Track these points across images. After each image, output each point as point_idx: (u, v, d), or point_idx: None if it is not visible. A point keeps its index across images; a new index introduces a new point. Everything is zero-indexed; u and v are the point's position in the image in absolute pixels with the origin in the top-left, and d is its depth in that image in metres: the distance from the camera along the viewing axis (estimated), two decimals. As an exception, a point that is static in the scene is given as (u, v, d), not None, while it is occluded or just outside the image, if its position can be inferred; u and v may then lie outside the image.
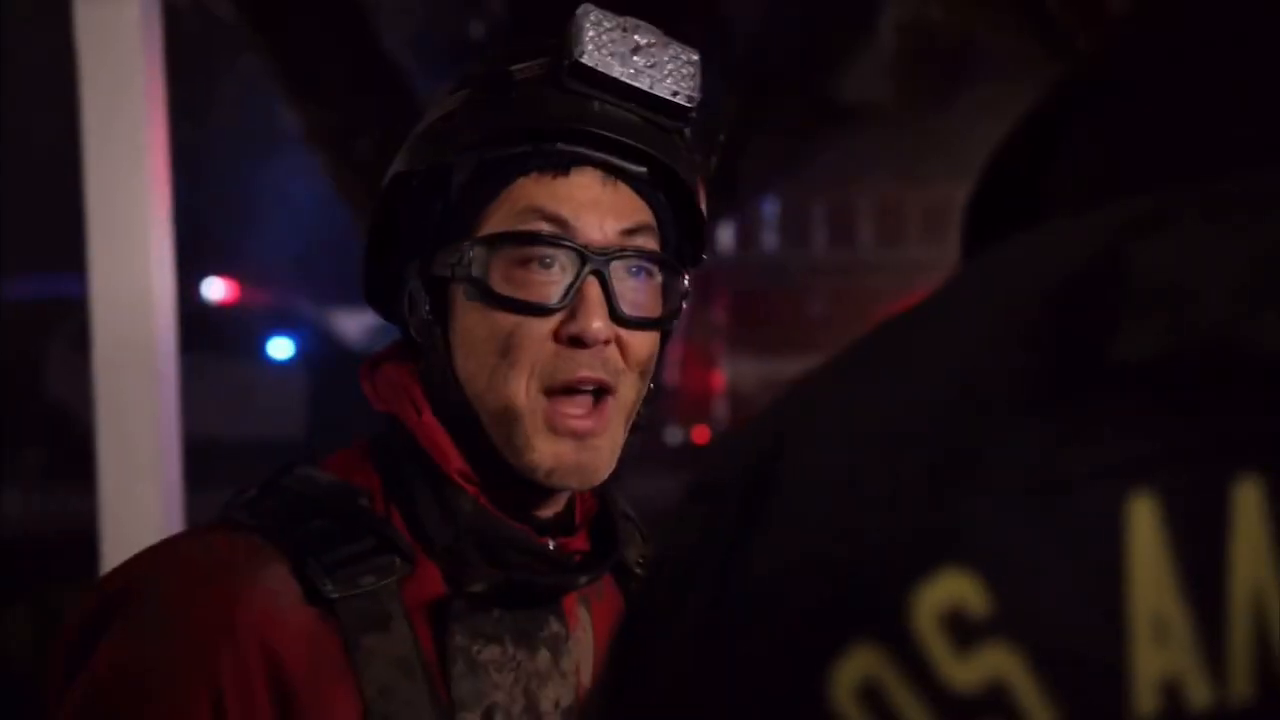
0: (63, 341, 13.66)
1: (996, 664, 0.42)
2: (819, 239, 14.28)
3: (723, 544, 0.48)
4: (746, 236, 14.36)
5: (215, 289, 15.40)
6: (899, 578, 0.43)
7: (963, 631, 0.43)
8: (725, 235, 14.10)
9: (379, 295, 1.44)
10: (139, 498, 2.63)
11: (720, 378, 13.91)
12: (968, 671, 0.43)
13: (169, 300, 2.70)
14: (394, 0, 7.79)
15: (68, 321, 13.45)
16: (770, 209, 14.18)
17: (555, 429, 1.32)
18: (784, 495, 0.47)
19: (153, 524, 2.59)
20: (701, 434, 14.08)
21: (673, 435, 14.31)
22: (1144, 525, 0.42)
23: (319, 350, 13.06)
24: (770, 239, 14.47)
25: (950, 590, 0.43)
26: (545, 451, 1.32)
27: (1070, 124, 0.54)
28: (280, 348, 14.37)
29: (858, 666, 0.43)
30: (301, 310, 14.24)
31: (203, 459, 3.37)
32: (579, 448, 1.33)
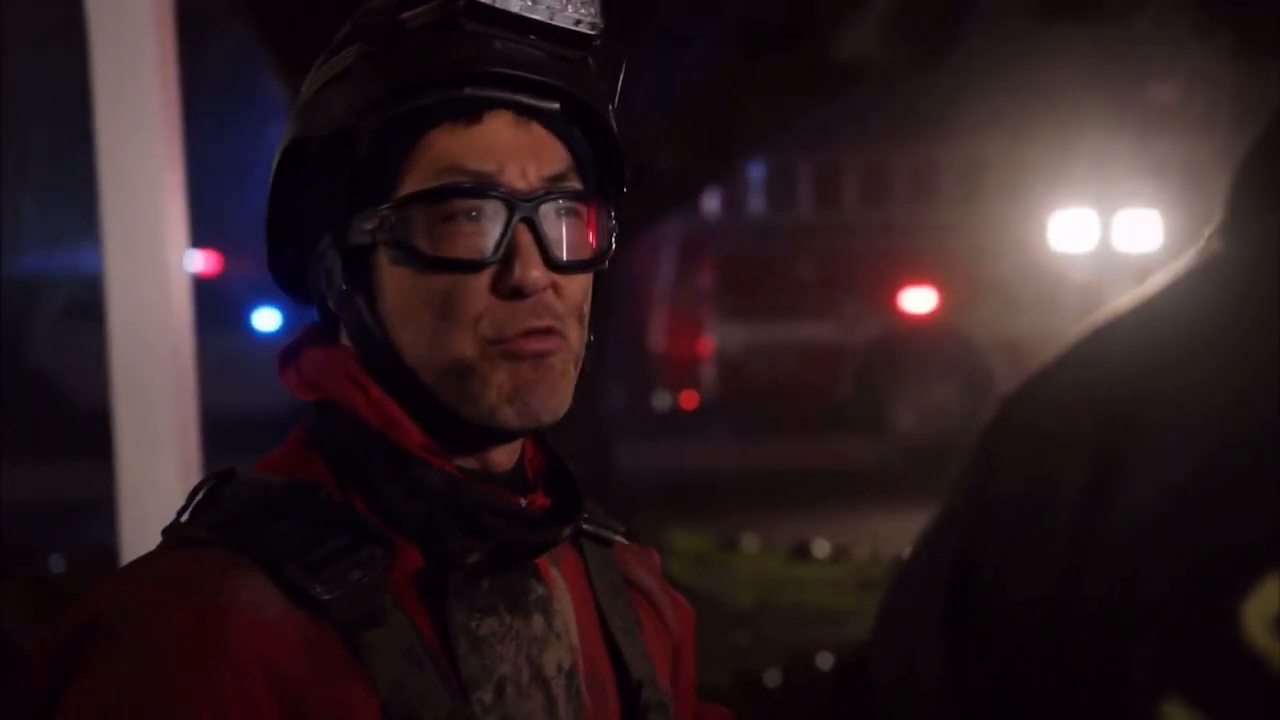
0: (51, 312, 13.61)
1: None
2: (805, 202, 14.26)
3: (1075, 489, 0.46)
4: (733, 200, 14.33)
5: (196, 261, 15.35)
6: None
7: None
8: (711, 200, 14.06)
9: (288, 275, 1.38)
10: (158, 473, 2.61)
11: (708, 343, 13.89)
12: None
13: (183, 273, 2.68)
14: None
15: (56, 293, 13.41)
16: (756, 172, 14.14)
17: (510, 352, 1.28)
18: (1156, 437, 0.45)
19: (172, 500, 2.57)
20: (690, 399, 14.07)
21: (661, 400, 14.30)
22: None
23: (306, 321, 13.01)
24: (756, 202, 14.45)
25: None
26: (504, 380, 1.28)
27: None
28: (266, 319, 14.32)
29: (1273, 598, 0.42)
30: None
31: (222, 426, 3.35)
32: (535, 367, 1.29)
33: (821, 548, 8.98)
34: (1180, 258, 0.56)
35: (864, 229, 13.78)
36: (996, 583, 0.49)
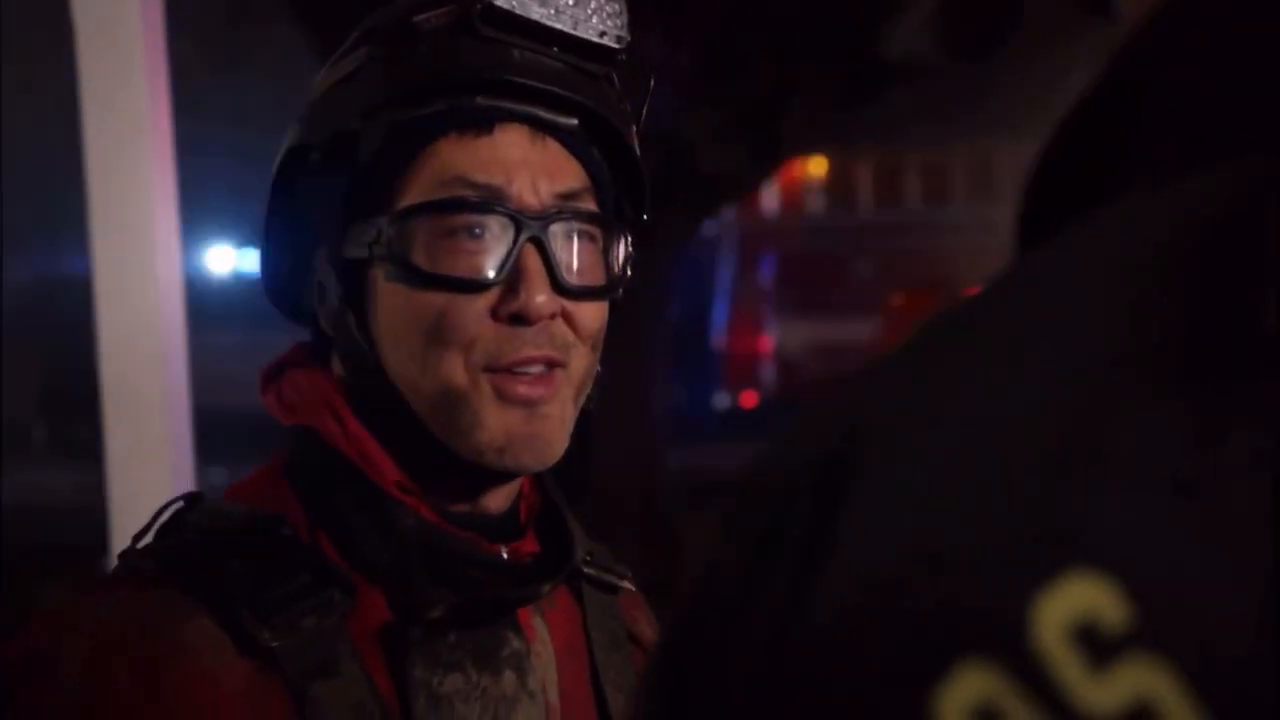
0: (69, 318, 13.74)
1: (1140, 682, 0.37)
2: (865, 200, 14.18)
3: (791, 556, 0.42)
4: (792, 199, 14.26)
5: (221, 260, 15.39)
6: (1016, 586, 0.38)
7: (1097, 645, 0.37)
8: (770, 198, 13.99)
9: (283, 289, 1.29)
10: (148, 481, 2.56)
11: (768, 342, 13.83)
12: (1106, 692, 0.37)
13: (175, 278, 2.63)
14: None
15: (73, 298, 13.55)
16: (815, 172, 14.07)
17: (503, 395, 1.17)
18: (865, 498, 0.41)
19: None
20: (749, 399, 13.99)
21: (720, 401, 14.24)
22: None
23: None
24: (816, 201, 14.37)
25: (1080, 598, 0.38)
26: (495, 426, 1.17)
27: (1161, 81, 0.49)
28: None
29: (970, 689, 0.38)
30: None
31: (211, 432, 3.30)
32: (529, 417, 1.18)
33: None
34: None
35: (924, 227, 13.68)
36: (697, 697, 0.43)
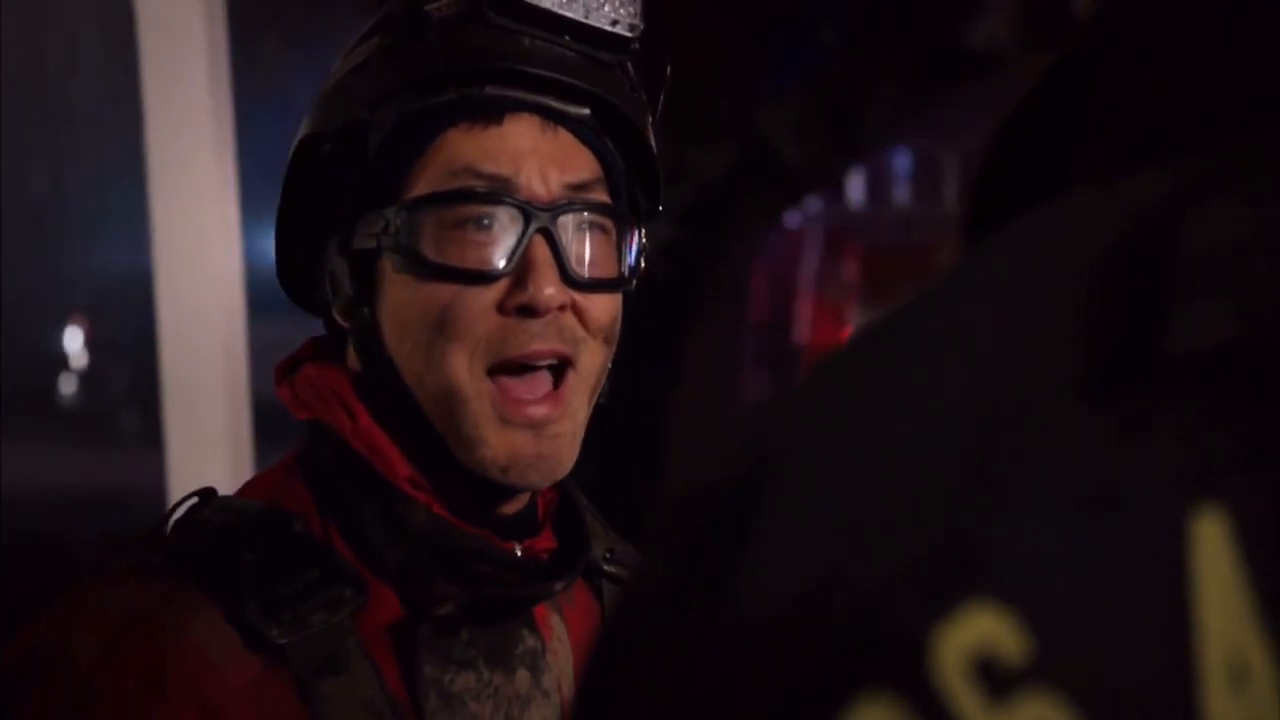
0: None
1: (1037, 717, 0.36)
2: (951, 192, 14.08)
3: (707, 580, 0.41)
4: (877, 190, 14.19)
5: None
6: (916, 616, 0.37)
7: (996, 679, 0.36)
8: (855, 189, 13.93)
9: (297, 281, 1.29)
10: (207, 472, 2.56)
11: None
12: None
13: (236, 269, 2.63)
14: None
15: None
16: (901, 162, 14.00)
17: (507, 418, 1.17)
18: (773, 524, 0.40)
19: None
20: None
21: (804, 393, 14.15)
22: (1212, 546, 0.36)
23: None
24: (902, 192, 14.29)
25: (979, 630, 0.37)
26: (498, 445, 1.16)
27: (1102, 78, 0.48)
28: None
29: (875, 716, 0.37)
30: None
31: (277, 421, 3.30)
32: (537, 438, 1.17)
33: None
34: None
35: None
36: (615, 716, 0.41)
